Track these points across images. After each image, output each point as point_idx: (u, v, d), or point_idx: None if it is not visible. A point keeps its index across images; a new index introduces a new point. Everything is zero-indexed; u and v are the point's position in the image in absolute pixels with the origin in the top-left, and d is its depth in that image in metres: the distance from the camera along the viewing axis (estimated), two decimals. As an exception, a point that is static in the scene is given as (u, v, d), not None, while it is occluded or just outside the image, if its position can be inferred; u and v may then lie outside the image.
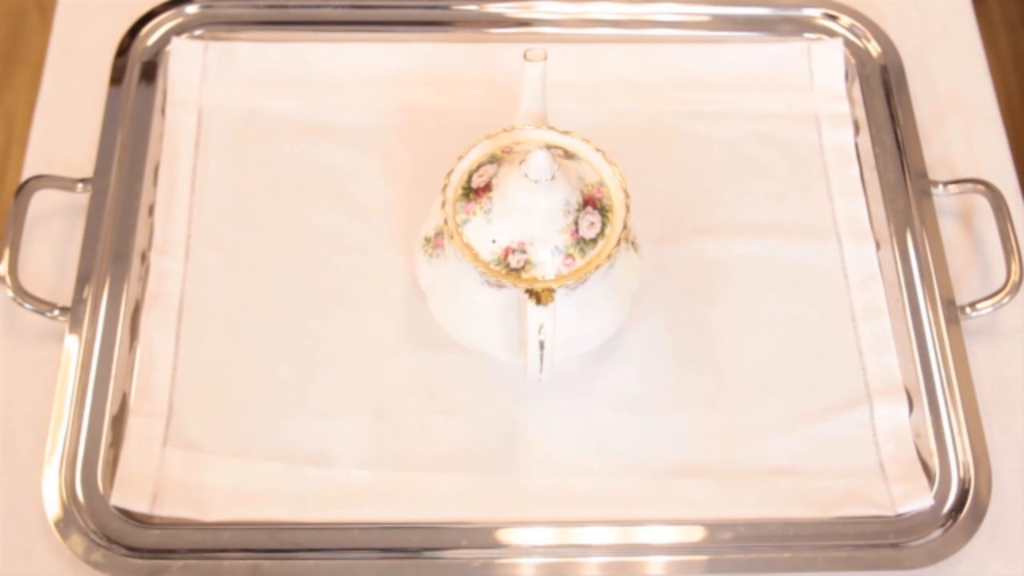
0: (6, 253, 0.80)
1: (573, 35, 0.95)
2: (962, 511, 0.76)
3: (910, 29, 0.96)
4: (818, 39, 0.95)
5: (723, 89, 0.93)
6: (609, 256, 0.69)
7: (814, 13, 0.96)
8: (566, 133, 0.74)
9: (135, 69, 0.91)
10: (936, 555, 0.75)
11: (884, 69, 0.93)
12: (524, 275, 0.69)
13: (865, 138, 0.91)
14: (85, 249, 0.83)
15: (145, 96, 0.90)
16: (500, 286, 0.70)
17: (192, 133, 0.88)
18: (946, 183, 0.88)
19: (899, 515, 0.76)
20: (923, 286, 0.84)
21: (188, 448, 0.77)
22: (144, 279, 0.82)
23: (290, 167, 0.88)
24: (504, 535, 0.75)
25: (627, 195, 0.71)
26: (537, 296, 0.68)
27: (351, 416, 0.78)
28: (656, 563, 0.74)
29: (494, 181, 0.70)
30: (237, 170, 0.88)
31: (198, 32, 0.93)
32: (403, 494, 0.76)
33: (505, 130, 0.74)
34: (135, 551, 0.73)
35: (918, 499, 0.76)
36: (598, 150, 0.73)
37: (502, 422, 0.79)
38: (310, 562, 0.73)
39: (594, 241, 0.70)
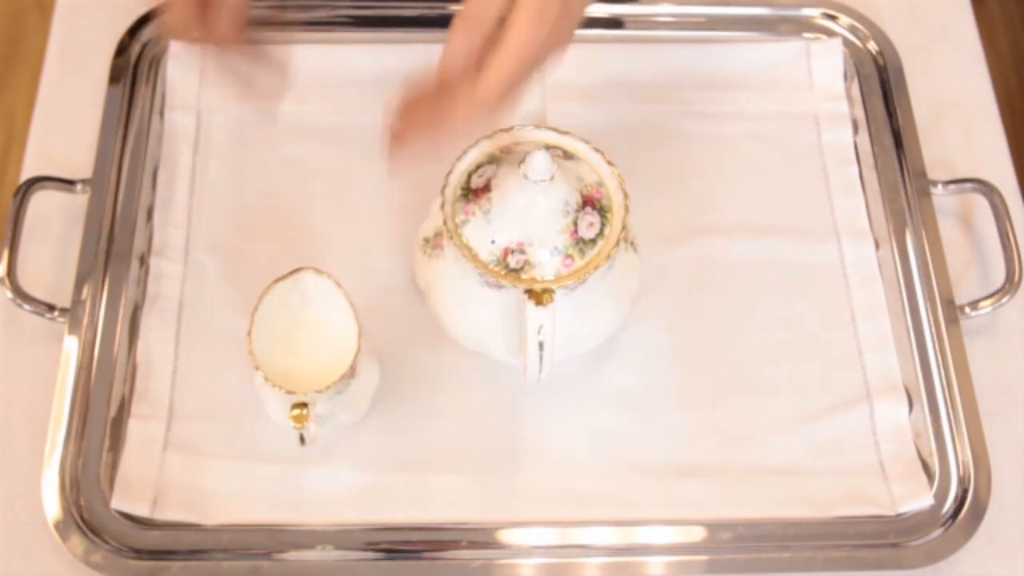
0: (5, 254, 0.80)
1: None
2: (962, 511, 0.76)
3: (909, 29, 0.96)
4: (817, 39, 0.95)
5: (722, 89, 0.92)
6: (608, 256, 0.69)
7: (813, 13, 0.96)
8: (565, 133, 0.74)
9: (134, 69, 0.91)
10: (936, 555, 0.75)
11: (883, 69, 0.93)
12: (523, 276, 0.69)
13: (864, 138, 0.91)
14: (84, 250, 0.83)
15: (144, 96, 0.90)
16: (499, 287, 0.70)
17: (191, 135, 0.88)
18: (945, 183, 0.88)
19: (899, 515, 0.76)
20: (922, 286, 0.84)
21: (188, 451, 0.77)
22: (143, 282, 0.82)
23: (289, 169, 0.88)
24: (504, 535, 0.75)
25: (626, 195, 0.71)
26: (536, 297, 0.68)
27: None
28: (656, 563, 0.74)
29: (493, 181, 0.70)
30: (236, 172, 0.88)
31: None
32: (403, 494, 0.76)
33: (504, 130, 0.74)
34: (134, 552, 0.73)
35: (918, 498, 0.76)
36: (597, 150, 0.73)
37: (502, 422, 0.79)
38: (310, 562, 0.73)
39: (593, 241, 0.70)
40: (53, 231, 0.85)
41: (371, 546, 0.74)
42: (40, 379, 0.79)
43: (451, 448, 0.77)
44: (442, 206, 0.70)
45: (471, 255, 0.69)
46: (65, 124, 0.89)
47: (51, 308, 0.80)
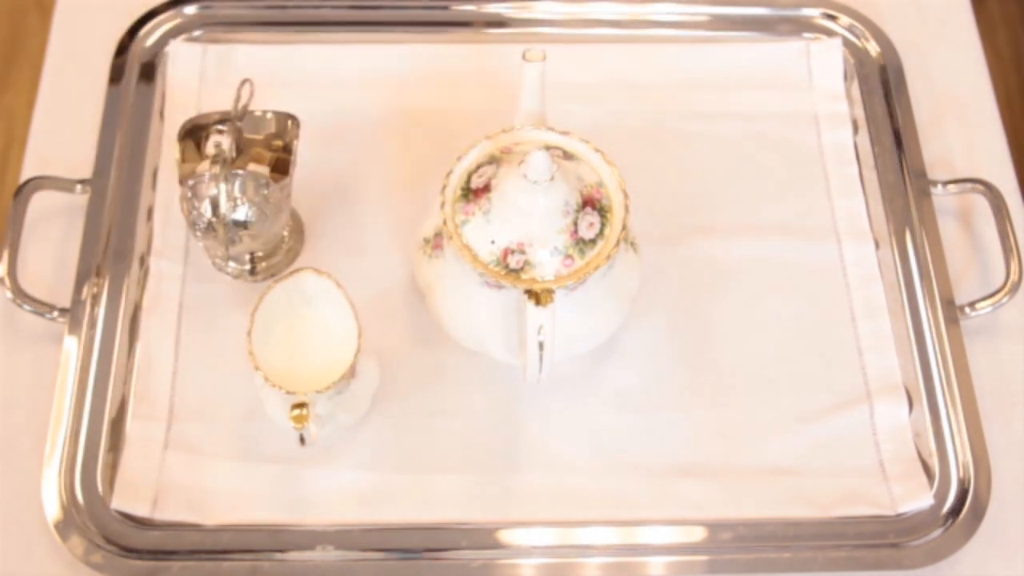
0: (5, 254, 0.80)
1: (573, 35, 0.95)
2: (962, 511, 0.76)
3: (909, 29, 0.96)
4: (817, 39, 0.95)
5: (722, 89, 0.93)
6: (608, 257, 0.69)
7: (813, 13, 0.96)
8: (565, 133, 0.74)
9: (134, 69, 0.91)
10: (936, 555, 0.75)
11: (883, 69, 0.93)
12: (523, 276, 0.69)
13: (864, 138, 0.91)
14: (84, 250, 0.83)
15: (144, 96, 0.90)
16: (499, 287, 0.70)
17: (191, 135, 0.88)
18: (945, 183, 0.88)
19: (899, 514, 0.76)
20: (922, 286, 0.84)
21: (189, 451, 0.77)
22: (143, 283, 0.82)
23: (289, 168, 0.88)
24: (504, 536, 0.75)
25: (626, 195, 0.71)
26: (536, 297, 0.68)
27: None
28: (656, 563, 0.74)
29: (493, 182, 0.70)
30: (236, 171, 0.88)
31: (197, 33, 0.93)
32: (403, 494, 0.76)
33: (504, 131, 0.74)
34: (134, 552, 0.73)
35: (918, 498, 0.76)
36: (597, 150, 0.73)
37: (502, 422, 0.79)
38: (310, 562, 0.73)
39: (593, 242, 0.70)
40: (53, 231, 0.85)
41: (371, 546, 0.74)
42: (40, 379, 0.79)
43: (451, 448, 0.77)
44: (442, 206, 0.70)
45: (471, 255, 0.69)
46: (65, 124, 0.89)
47: (51, 308, 0.80)
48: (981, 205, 0.87)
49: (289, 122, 0.79)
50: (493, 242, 0.69)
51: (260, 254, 0.82)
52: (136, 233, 0.84)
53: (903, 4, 0.98)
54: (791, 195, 0.88)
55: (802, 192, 0.89)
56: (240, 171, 0.76)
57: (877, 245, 0.86)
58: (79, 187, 0.85)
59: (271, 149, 0.78)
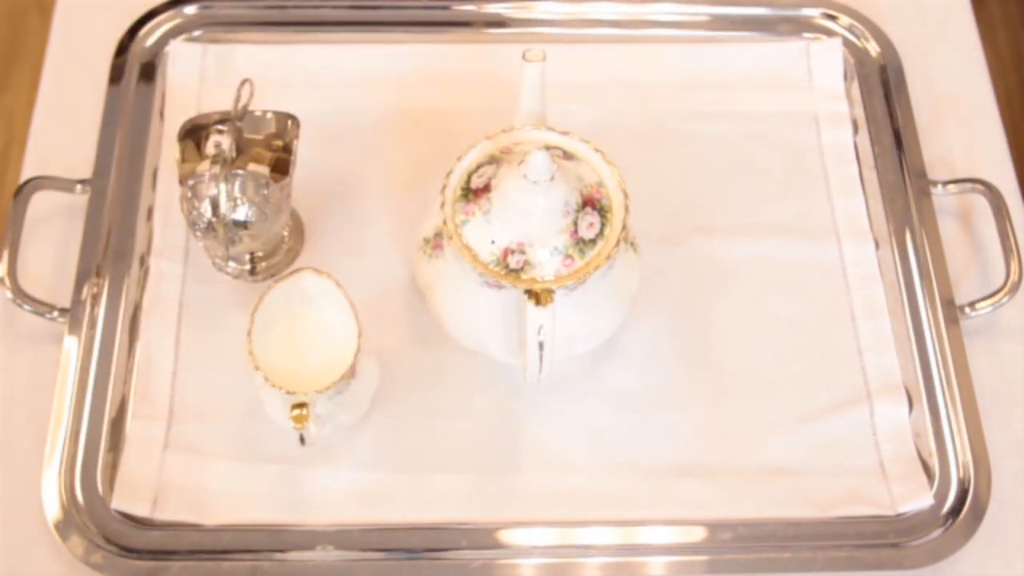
0: (5, 254, 0.80)
1: (573, 35, 0.95)
2: (962, 511, 0.76)
3: (909, 29, 0.96)
4: (817, 39, 0.95)
5: (723, 89, 0.93)
6: (608, 257, 0.69)
7: (813, 13, 0.96)
8: (565, 133, 0.74)
9: (134, 69, 0.91)
10: (936, 555, 0.75)
11: (883, 69, 0.93)
12: (523, 276, 0.69)
13: (864, 138, 0.91)
14: (84, 250, 0.83)
15: (144, 96, 0.90)
16: (499, 287, 0.70)
17: (191, 135, 0.88)
18: (945, 183, 0.88)
19: (899, 514, 0.76)
20: (922, 286, 0.84)
21: (189, 452, 0.77)
22: (143, 283, 0.82)
23: (289, 168, 0.88)
24: (504, 536, 0.75)
25: (626, 195, 0.71)
26: (536, 297, 0.68)
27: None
28: (656, 563, 0.74)
29: (493, 182, 0.70)
30: (236, 171, 0.88)
31: (197, 33, 0.93)
32: (403, 495, 0.76)
33: (504, 131, 0.74)
34: (134, 552, 0.73)
35: (918, 498, 0.76)
36: (597, 150, 0.73)
37: (501, 422, 0.79)
38: (310, 562, 0.73)
39: (593, 242, 0.70)
40: (53, 231, 0.85)
41: (371, 546, 0.74)
42: (40, 379, 0.79)
43: (451, 448, 0.77)
44: (442, 206, 0.70)
45: (471, 255, 0.69)
46: (65, 124, 0.89)
47: (51, 308, 0.80)
48: (981, 205, 0.87)
49: (289, 122, 0.79)
50: (493, 242, 0.69)
51: (260, 254, 0.82)
52: (136, 233, 0.84)
53: (903, 4, 0.98)
54: (791, 195, 0.88)
55: (802, 192, 0.89)
56: (240, 171, 0.76)
57: (877, 245, 0.86)
58: (79, 187, 0.85)
59: (271, 149, 0.78)
